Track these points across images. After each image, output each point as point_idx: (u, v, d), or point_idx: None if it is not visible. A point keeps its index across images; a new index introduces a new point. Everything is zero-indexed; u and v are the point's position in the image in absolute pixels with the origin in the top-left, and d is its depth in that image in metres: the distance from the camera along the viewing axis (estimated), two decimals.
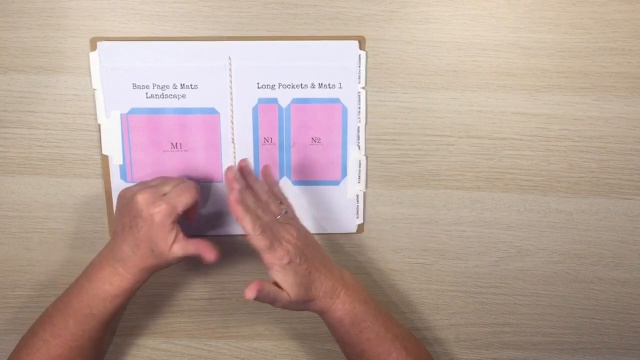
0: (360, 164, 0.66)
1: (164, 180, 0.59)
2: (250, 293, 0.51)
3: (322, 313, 0.58)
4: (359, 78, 0.64)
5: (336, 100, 0.64)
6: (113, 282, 0.57)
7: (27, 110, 0.64)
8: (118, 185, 0.65)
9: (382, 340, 0.58)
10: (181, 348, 0.71)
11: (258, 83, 0.64)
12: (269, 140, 0.65)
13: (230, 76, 0.63)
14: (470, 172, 0.66)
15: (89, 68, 0.63)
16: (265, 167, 0.62)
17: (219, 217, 0.67)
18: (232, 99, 0.64)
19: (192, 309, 0.70)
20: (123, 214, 0.57)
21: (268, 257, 0.54)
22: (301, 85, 0.64)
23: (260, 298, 0.52)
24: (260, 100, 0.64)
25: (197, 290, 0.70)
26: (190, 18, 0.62)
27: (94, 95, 0.64)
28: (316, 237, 0.68)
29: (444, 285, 0.70)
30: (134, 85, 0.63)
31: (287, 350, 0.71)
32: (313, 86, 0.64)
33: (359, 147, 0.65)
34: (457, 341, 0.71)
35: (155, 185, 0.58)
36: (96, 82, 0.63)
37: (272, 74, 0.63)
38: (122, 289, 0.57)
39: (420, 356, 0.61)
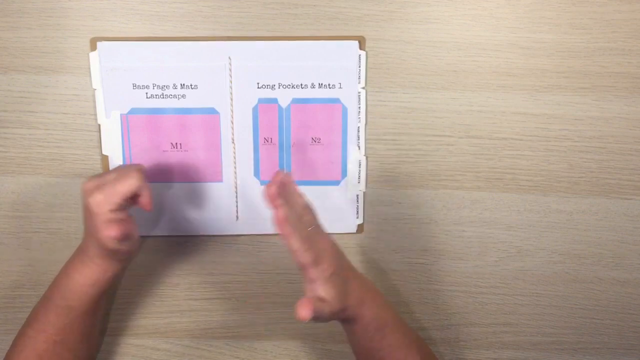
0: (360, 164, 0.66)
1: (115, 168, 0.58)
2: (306, 312, 0.48)
3: (350, 321, 0.56)
4: (359, 78, 0.64)
5: (336, 100, 0.64)
6: (83, 273, 0.58)
7: (27, 110, 0.64)
8: None
9: (401, 346, 0.58)
10: (181, 348, 0.71)
11: (258, 83, 0.64)
12: (269, 140, 0.65)
13: (230, 76, 0.63)
14: (470, 172, 0.66)
15: (89, 68, 0.63)
16: (287, 176, 0.53)
17: (220, 217, 0.67)
18: (232, 99, 0.64)
19: (192, 309, 0.70)
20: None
21: (313, 272, 0.51)
22: (301, 85, 0.64)
23: (314, 317, 0.49)
24: (260, 100, 0.64)
25: (197, 290, 0.70)
26: (190, 18, 0.62)
27: (94, 95, 0.64)
28: None
29: (444, 285, 0.70)
30: (134, 85, 0.63)
31: (287, 350, 0.71)
32: (313, 86, 0.64)
33: (359, 147, 0.65)
34: (457, 341, 0.71)
35: (101, 174, 0.57)
36: (96, 82, 0.63)
37: (272, 74, 0.63)
38: (92, 279, 0.57)
39: None
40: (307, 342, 0.71)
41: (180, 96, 0.63)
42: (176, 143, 0.65)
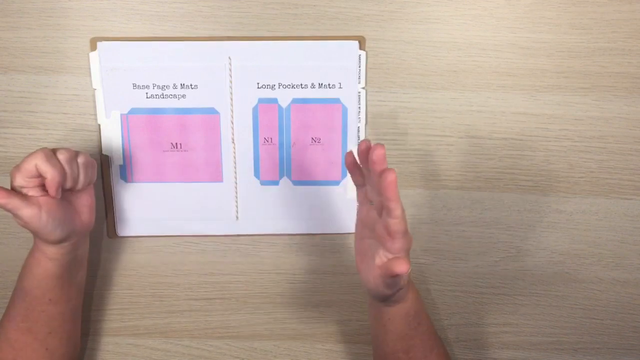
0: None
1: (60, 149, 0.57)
2: (405, 266, 0.48)
3: (399, 300, 0.56)
4: (359, 78, 0.64)
5: (336, 100, 0.64)
6: (33, 257, 0.58)
7: (27, 110, 0.64)
8: (118, 185, 0.65)
9: (431, 335, 0.60)
10: (181, 348, 0.71)
11: (258, 83, 0.64)
12: (269, 140, 0.65)
13: (230, 76, 0.63)
14: (470, 172, 0.66)
15: (89, 68, 0.63)
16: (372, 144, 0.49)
17: (220, 217, 0.67)
18: (232, 99, 0.64)
19: (192, 309, 0.70)
20: None
21: (403, 242, 0.50)
22: (301, 85, 0.64)
23: (394, 282, 0.50)
24: (260, 100, 0.64)
25: (197, 290, 0.70)
26: (190, 18, 0.62)
27: (94, 95, 0.64)
28: (316, 237, 0.68)
29: (444, 285, 0.70)
30: (134, 85, 0.63)
31: (287, 350, 0.71)
32: (313, 86, 0.64)
33: None
34: (457, 341, 0.71)
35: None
36: (96, 82, 0.63)
37: (272, 74, 0.63)
38: (40, 264, 0.58)
39: (447, 354, 0.62)
40: (307, 342, 0.71)
41: (180, 96, 0.63)
42: (176, 143, 0.65)
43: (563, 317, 0.70)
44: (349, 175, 0.66)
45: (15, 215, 0.54)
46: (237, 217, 0.67)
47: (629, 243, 0.68)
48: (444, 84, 0.64)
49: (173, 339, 0.71)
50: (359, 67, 0.63)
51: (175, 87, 0.63)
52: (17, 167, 0.53)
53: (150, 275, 0.69)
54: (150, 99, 0.63)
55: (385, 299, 0.55)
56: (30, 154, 0.53)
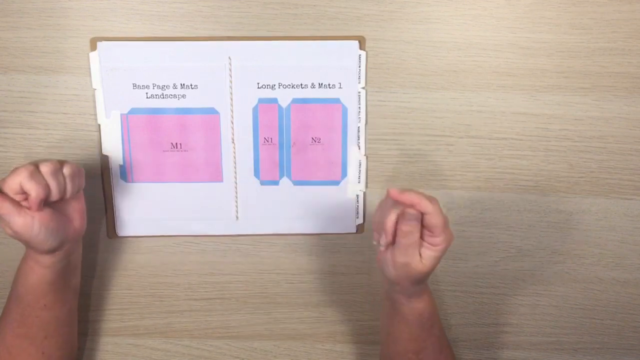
0: (360, 164, 0.66)
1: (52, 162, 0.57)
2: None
3: (412, 299, 0.56)
4: (359, 78, 0.64)
5: (336, 100, 0.64)
6: (26, 264, 0.58)
7: (27, 110, 0.64)
8: (118, 185, 0.65)
9: (441, 337, 0.60)
10: (181, 348, 0.71)
11: (258, 83, 0.64)
12: (269, 140, 0.65)
13: (230, 76, 0.63)
14: (470, 172, 0.66)
15: (89, 68, 0.63)
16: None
17: (220, 217, 0.67)
18: (232, 99, 0.64)
19: (192, 309, 0.70)
20: None
21: (445, 234, 0.52)
22: (301, 85, 0.64)
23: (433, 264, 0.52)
24: (260, 100, 0.64)
25: (197, 290, 0.70)
26: (190, 18, 0.62)
27: (94, 95, 0.64)
28: (316, 237, 0.68)
29: (444, 285, 0.70)
30: (134, 85, 0.63)
31: (287, 350, 0.71)
32: (313, 86, 0.64)
33: (359, 147, 0.65)
34: (457, 341, 0.71)
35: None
36: (96, 82, 0.63)
37: (272, 74, 0.63)
38: (33, 271, 0.58)
39: (454, 356, 0.62)
40: (307, 342, 0.71)
41: (180, 96, 0.63)
42: (176, 143, 0.65)
43: (563, 317, 0.70)
44: (349, 175, 0.66)
45: (7, 223, 0.54)
46: (237, 217, 0.67)
47: (629, 243, 0.68)
48: (444, 84, 0.64)
49: (173, 339, 0.71)
50: (359, 67, 0.63)
51: (175, 87, 0.63)
52: (3, 182, 0.53)
53: (150, 275, 0.69)
54: (150, 99, 0.63)
55: (406, 289, 0.55)
56: (14, 171, 0.53)
